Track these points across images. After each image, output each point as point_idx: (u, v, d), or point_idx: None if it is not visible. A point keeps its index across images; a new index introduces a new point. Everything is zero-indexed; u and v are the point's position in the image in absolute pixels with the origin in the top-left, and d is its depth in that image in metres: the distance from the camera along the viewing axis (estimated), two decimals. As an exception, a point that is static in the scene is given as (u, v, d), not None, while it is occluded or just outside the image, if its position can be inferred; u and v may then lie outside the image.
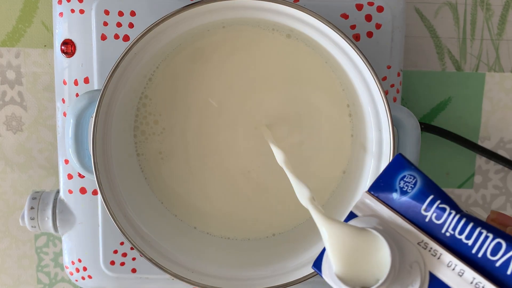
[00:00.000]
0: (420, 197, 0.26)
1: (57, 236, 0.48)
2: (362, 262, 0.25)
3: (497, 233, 0.24)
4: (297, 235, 0.41)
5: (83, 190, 0.41)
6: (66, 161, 0.41)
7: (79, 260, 0.42)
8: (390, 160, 0.27)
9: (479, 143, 0.47)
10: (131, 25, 0.38)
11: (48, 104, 0.46)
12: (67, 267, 0.42)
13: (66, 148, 0.36)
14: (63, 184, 0.41)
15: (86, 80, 0.39)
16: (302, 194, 0.29)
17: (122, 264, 0.41)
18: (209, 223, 0.41)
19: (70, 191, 0.41)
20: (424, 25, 0.46)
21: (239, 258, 0.40)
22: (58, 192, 0.42)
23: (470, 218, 0.25)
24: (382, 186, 0.27)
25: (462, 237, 0.25)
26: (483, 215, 0.49)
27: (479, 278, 0.24)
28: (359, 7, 0.38)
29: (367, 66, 0.33)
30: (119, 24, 0.38)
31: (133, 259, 0.41)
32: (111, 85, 0.34)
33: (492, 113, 0.47)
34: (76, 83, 0.39)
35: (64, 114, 0.40)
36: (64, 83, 0.39)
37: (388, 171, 0.27)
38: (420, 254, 0.25)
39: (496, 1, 0.46)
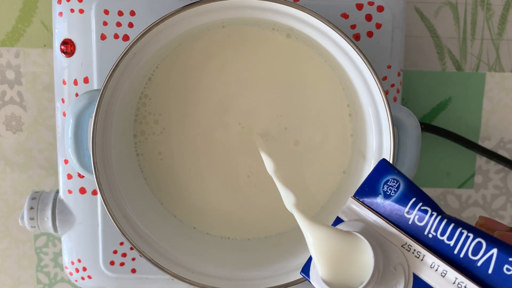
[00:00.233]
0: (403, 200, 0.26)
1: (57, 236, 0.48)
2: (347, 265, 0.26)
3: (478, 233, 0.25)
4: (297, 235, 0.40)
5: (82, 190, 0.41)
6: (66, 161, 0.41)
7: (79, 260, 0.42)
8: (374, 166, 0.28)
9: (480, 143, 0.47)
10: (130, 25, 0.38)
11: (47, 104, 0.46)
12: (66, 267, 0.42)
13: (65, 148, 0.36)
14: (63, 184, 0.41)
15: (86, 80, 0.39)
16: (287, 199, 0.29)
17: (122, 264, 0.41)
18: (209, 223, 0.41)
19: (70, 191, 0.41)
20: (424, 25, 0.46)
21: (239, 258, 0.40)
22: (57, 192, 0.42)
23: (451, 219, 0.25)
24: (366, 191, 0.27)
25: (444, 238, 0.25)
26: (483, 215, 0.49)
27: (461, 278, 0.24)
28: (359, 6, 0.38)
29: (367, 66, 0.33)
30: (118, 24, 0.38)
31: (133, 259, 0.41)
32: (110, 85, 0.34)
33: (493, 113, 0.47)
34: (75, 83, 0.39)
35: (64, 114, 0.40)
36: (64, 83, 0.39)
37: (372, 176, 0.27)
38: (404, 256, 0.26)
39: (496, 1, 0.46)
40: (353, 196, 0.28)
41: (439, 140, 0.47)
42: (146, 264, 0.36)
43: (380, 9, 0.38)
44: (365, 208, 0.27)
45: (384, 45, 0.39)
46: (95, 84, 0.39)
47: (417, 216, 0.26)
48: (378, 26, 0.38)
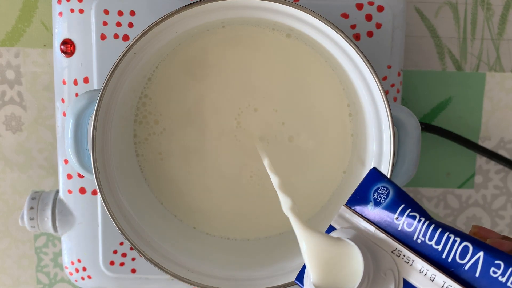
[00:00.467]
0: (392, 206, 0.27)
1: (57, 236, 0.48)
2: (338, 270, 0.26)
3: (464, 237, 0.25)
4: (297, 235, 0.41)
5: (82, 190, 0.41)
6: (66, 161, 0.41)
7: (79, 260, 0.42)
8: (366, 174, 0.29)
9: (480, 143, 0.47)
10: (130, 25, 0.38)
11: (47, 104, 0.46)
12: (66, 267, 0.42)
13: (65, 148, 0.36)
14: (63, 184, 0.41)
15: (86, 80, 0.39)
16: (285, 203, 0.30)
17: (122, 264, 0.41)
18: (209, 223, 0.41)
19: (70, 191, 0.41)
20: (424, 24, 0.46)
21: (239, 258, 0.40)
22: (57, 192, 0.42)
23: (438, 225, 0.26)
24: (358, 199, 0.28)
25: (432, 243, 0.26)
26: (483, 215, 0.49)
27: (449, 282, 0.25)
28: (359, 6, 0.38)
29: (367, 65, 0.33)
30: (118, 24, 0.38)
31: (133, 259, 0.41)
32: (110, 85, 0.34)
33: (493, 113, 0.47)
34: (75, 82, 0.39)
35: (64, 114, 0.40)
36: (64, 83, 0.39)
37: (363, 184, 0.28)
38: (394, 262, 0.26)
39: (496, 0, 0.46)
40: (345, 204, 0.29)
41: (439, 140, 0.47)
42: (146, 264, 0.36)
43: (380, 9, 0.38)
44: (356, 216, 0.28)
45: (384, 45, 0.38)
46: (95, 84, 0.39)
47: (406, 222, 0.27)
48: (378, 26, 0.38)
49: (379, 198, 0.27)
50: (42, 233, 0.48)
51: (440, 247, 0.25)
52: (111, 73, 0.33)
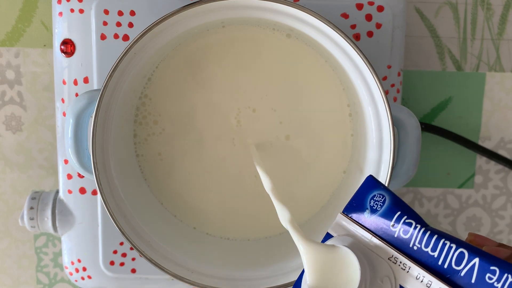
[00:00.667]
0: (388, 214, 0.27)
1: (57, 236, 0.48)
2: (335, 278, 0.27)
3: (460, 243, 0.25)
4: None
5: (82, 190, 0.41)
6: (66, 161, 0.41)
7: (79, 260, 0.42)
8: (363, 181, 0.29)
9: (480, 143, 0.47)
10: (130, 25, 0.38)
11: (47, 104, 0.46)
12: (66, 267, 0.42)
13: (65, 148, 0.36)
14: (63, 184, 0.41)
15: (86, 80, 0.39)
16: (283, 216, 0.31)
17: (122, 264, 0.41)
18: (209, 223, 0.41)
19: (70, 191, 0.41)
20: (424, 24, 0.46)
21: (239, 259, 0.40)
22: (57, 192, 0.42)
23: (434, 231, 0.26)
24: (354, 206, 0.29)
25: (428, 249, 0.26)
26: (483, 215, 0.49)
27: None
28: (359, 6, 0.38)
29: (367, 65, 0.33)
30: (118, 24, 0.38)
31: (133, 259, 0.41)
32: (110, 85, 0.34)
33: (493, 113, 0.47)
34: (75, 82, 0.39)
35: (64, 114, 0.40)
36: (64, 83, 0.39)
37: (360, 192, 0.29)
38: (390, 269, 0.27)
39: (496, 0, 0.46)
40: (342, 212, 0.29)
41: (439, 140, 0.47)
42: (146, 264, 0.36)
43: (380, 9, 0.38)
44: (353, 223, 0.28)
45: (384, 45, 0.38)
46: (95, 84, 0.39)
47: (402, 229, 0.27)
48: (378, 26, 0.38)
49: (376, 206, 0.28)
50: (42, 233, 0.48)
51: (436, 254, 0.26)
52: (111, 73, 0.33)
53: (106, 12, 0.38)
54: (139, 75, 0.38)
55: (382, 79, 0.39)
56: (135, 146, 0.40)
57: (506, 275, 0.23)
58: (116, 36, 0.38)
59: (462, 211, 0.49)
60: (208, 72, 0.39)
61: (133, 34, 0.38)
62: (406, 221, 0.27)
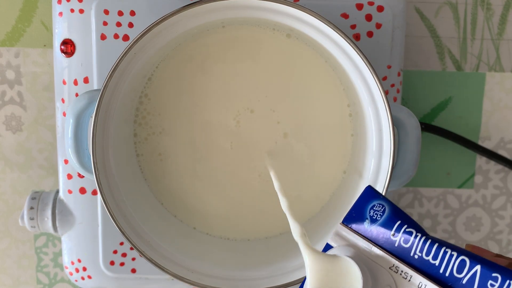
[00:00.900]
0: (388, 223, 0.27)
1: (57, 236, 0.48)
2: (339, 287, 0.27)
3: (461, 251, 0.25)
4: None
5: (82, 190, 0.41)
6: (66, 161, 0.41)
7: (79, 260, 0.42)
8: (362, 192, 0.29)
9: (480, 143, 0.47)
10: (130, 25, 0.38)
11: (47, 104, 0.46)
12: (66, 267, 0.42)
13: (65, 148, 0.36)
14: (63, 184, 0.41)
15: (86, 80, 0.39)
16: (295, 230, 0.31)
17: (122, 264, 0.41)
18: (209, 223, 0.41)
19: (70, 191, 0.41)
20: (424, 24, 0.46)
21: (239, 259, 0.40)
22: (57, 192, 0.42)
23: (435, 240, 0.26)
24: (354, 216, 0.29)
25: (429, 258, 0.26)
26: (483, 215, 0.49)
27: None
28: (359, 6, 0.38)
29: (367, 65, 0.33)
30: (118, 24, 0.38)
31: (133, 259, 0.41)
32: (110, 85, 0.34)
33: (493, 113, 0.47)
34: (75, 83, 0.39)
35: (64, 114, 0.40)
36: (64, 83, 0.39)
37: (359, 202, 0.29)
38: (392, 278, 0.27)
39: (496, 0, 0.46)
40: (341, 222, 0.29)
41: (439, 140, 0.47)
42: (146, 264, 0.36)
43: (380, 9, 0.38)
44: (353, 233, 0.28)
45: (384, 45, 0.39)
46: (95, 84, 0.39)
47: (402, 238, 0.27)
48: (378, 26, 0.38)
49: (375, 215, 0.28)
50: (42, 233, 0.48)
51: (437, 262, 0.26)
52: (111, 73, 0.33)
53: (106, 12, 0.38)
54: (139, 75, 0.38)
55: (382, 79, 0.39)
56: (135, 146, 0.40)
57: (508, 281, 0.23)
58: (116, 36, 0.38)
59: (462, 211, 0.49)
60: (208, 72, 0.39)
61: (133, 34, 0.38)
62: (407, 230, 0.27)
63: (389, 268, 0.27)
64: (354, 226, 0.28)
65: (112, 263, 0.41)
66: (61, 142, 0.41)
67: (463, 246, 0.47)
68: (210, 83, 0.39)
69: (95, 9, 0.38)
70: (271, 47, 0.39)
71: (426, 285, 0.26)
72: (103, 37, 0.38)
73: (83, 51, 0.39)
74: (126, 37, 0.38)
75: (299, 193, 0.41)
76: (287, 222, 0.41)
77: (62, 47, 0.39)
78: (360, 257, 0.27)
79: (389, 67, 0.39)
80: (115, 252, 0.41)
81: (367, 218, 0.28)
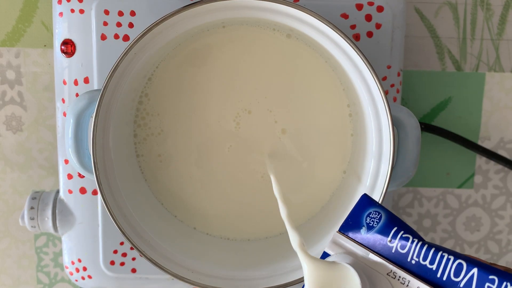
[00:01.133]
0: (385, 230, 0.28)
1: (57, 236, 0.48)
2: None
3: (457, 255, 0.26)
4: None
5: (83, 190, 0.41)
6: (66, 161, 0.41)
7: (79, 260, 0.42)
8: (357, 200, 0.29)
9: (479, 143, 0.47)
10: (131, 25, 0.38)
11: (48, 104, 0.46)
12: (67, 267, 0.42)
13: (66, 148, 0.36)
14: (63, 184, 0.41)
15: (86, 80, 0.39)
16: (294, 240, 0.31)
17: (122, 264, 0.41)
18: (209, 223, 0.41)
19: (70, 191, 0.41)
20: (424, 25, 0.46)
21: (239, 259, 0.40)
22: (58, 192, 0.42)
23: (431, 245, 0.27)
24: (350, 224, 0.29)
25: (427, 262, 0.26)
26: (483, 215, 0.49)
27: None
28: (359, 7, 0.38)
29: (367, 66, 0.33)
30: (119, 24, 0.38)
31: (133, 259, 0.41)
32: (111, 85, 0.34)
33: (492, 113, 0.47)
34: (76, 83, 0.39)
35: (64, 114, 0.40)
36: (64, 83, 0.39)
37: (355, 210, 0.29)
38: (390, 284, 0.27)
39: (496, 1, 0.46)
40: (338, 230, 0.29)
41: (439, 140, 0.47)
42: (146, 264, 0.36)
43: (380, 9, 0.38)
44: (350, 241, 0.29)
45: (384, 45, 0.39)
46: (95, 84, 0.39)
47: (399, 244, 0.27)
48: (378, 26, 0.38)
49: (372, 222, 0.28)
50: (43, 233, 0.48)
51: (434, 267, 0.26)
52: (111, 73, 0.33)
53: (107, 12, 0.38)
54: (139, 75, 0.38)
55: (382, 79, 0.39)
56: (135, 146, 0.40)
57: (505, 283, 0.24)
58: (116, 36, 0.38)
59: (462, 211, 0.49)
60: (208, 72, 0.39)
61: (133, 34, 0.38)
62: (403, 236, 0.27)
63: (387, 274, 0.27)
64: (351, 233, 0.29)
65: (112, 263, 0.41)
66: (62, 142, 0.41)
67: (463, 246, 0.47)
68: (210, 83, 0.39)
69: (95, 9, 0.38)
70: (271, 47, 0.39)
71: None
72: (103, 37, 0.38)
73: (83, 51, 0.39)
74: (126, 37, 0.38)
75: (299, 193, 0.41)
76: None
77: (63, 47, 0.39)
78: (358, 264, 0.28)
79: (389, 67, 0.39)
80: (115, 252, 0.41)
81: (363, 226, 0.28)
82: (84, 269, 0.42)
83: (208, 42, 0.39)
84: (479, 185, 0.48)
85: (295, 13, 0.34)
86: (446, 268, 0.26)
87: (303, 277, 0.36)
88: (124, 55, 0.33)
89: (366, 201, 0.29)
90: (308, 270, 0.28)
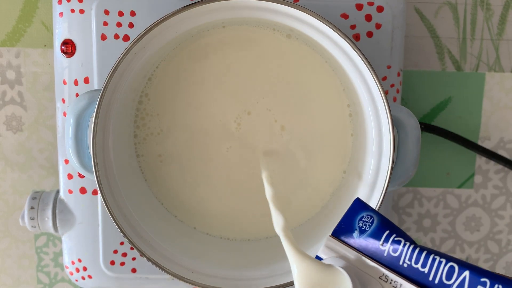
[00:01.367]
0: (377, 233, 0.28)
1: (57, 236, 0.48)
2: None
3: (449, 258, 0.26)
4: (297, 236, 0.41)
5: (83, 190, 0.41)
6: (66, 161, 0.41)
7: (79, 260, 0.42)
8: (350, 204, 0.29)
9: (479, 143, 0.47)
10: (131, 25, 0.38)
11: (48, 104, 0.46)
12: (67, 267, 0.42)
13: (66, 148, 0.37)
14: (63, 184, 0.41)
15: (86, 80, 0.39)
16: (278, 222, 0.31)
17: (122, 264, 0.41)
18: (209, 223, 0.41)
19: (70, 191, 0.41)
20: (424, 25, 0.46)
21: (239, 258, 0.40)
22: (58, 192, 0.42)
23: (423, 248, 0.27)
24: (343, 228, 0.29)
25: (418, 266, 0.26)
26: (483, 215, 0.49)
27: None
28: (359, 7, 0.38)
29: (367, 66, 0.33)
30: (119, 24, 0.38)
31: (133, 259, 0.41)
32: (111, 85, 0.34)
33: (492, 113, 0.47)
34: (76, 83, 0.39)
35: (64, 114, 0.40)
36: (64, 83, 0.39)
37: (348, 214, 0.29)
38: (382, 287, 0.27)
39: (496, 1, 0.46)
40: (331, 234, 0.29)
41: (439, 140, 0.47)
42: (146, 264, 0.36)
43: (380, 9, 0.38)
44: (342, 245, 0.29)
45: (384, 45, 0.39)
46: (96, 84, 0.39)
47: (391, 248, 0.27)
48: (378, 26, 0.38)
49: (364, 226, 0.28)
50: (43, 233, 0.48)
51: (426, 270, 0.26)
52: (111, 73, 0.33)
53: (107, 12, 0.38)
54: (140, 75, 0.38)
55: (381, 79, 0.39)
56: (135, 146, 0.40)
57: (496, 285, 0.24)
58: (116, 36, 0.38)
59: (462, 211, 0.49)
60: (208, 72, 0.39)
61: (133, 34, 0.38)
62: (395, 239, 0.27)
63: (379, 277, 0.27)
64: (343, 237, 0.29)
65: (112, 262, 0.41)
66: (62, 142, 0.41)
67: (463, 246, 0.47)
68: (210, 84, 0.39)
69: (96, 9, 0.38)
70: (271, 47, 0.39)
71: None
72: (103, 37, 0.38)
73: (83, 51, 0.39)
74: (126, 37, 0.38)
75: (299, 193, 0.41)
76: (287, 223, 0.41)
77: (63, 47, 0.39)
78: (350, 268, 0.28)
79: (388, 67, 0.39)
80: (115, 252, 0.41)
81: (356, 229, 0.28)
82: (84, 269, 0.42)
83: (208, 42, 0.39)
84: (479, 185, 0.48)
85: (295, 13, 0.34)
86: (438, 271, 0.26)
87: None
88: (124, 55, 0.33)
89: (358, 205, 0.29)
90: (296, 267, 0.27)
